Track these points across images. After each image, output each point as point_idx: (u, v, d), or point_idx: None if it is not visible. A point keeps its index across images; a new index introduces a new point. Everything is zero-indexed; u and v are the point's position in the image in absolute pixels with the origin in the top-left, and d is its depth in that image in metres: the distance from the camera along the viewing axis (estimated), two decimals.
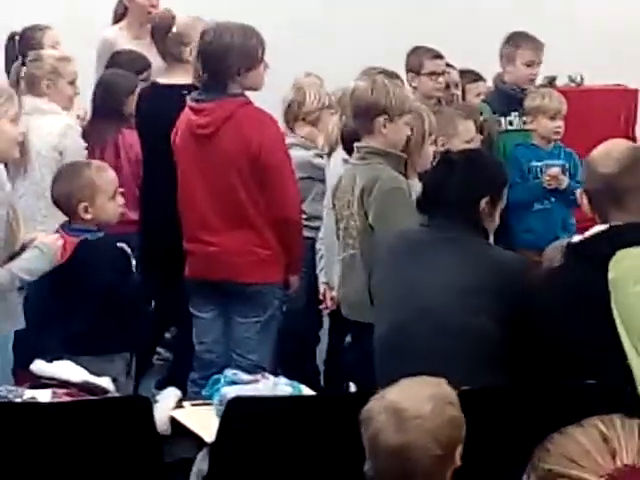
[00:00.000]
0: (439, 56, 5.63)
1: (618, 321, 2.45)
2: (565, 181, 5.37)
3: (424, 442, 2.30)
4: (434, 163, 4.02)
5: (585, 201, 3.10)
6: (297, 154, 4.81)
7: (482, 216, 3.49)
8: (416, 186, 3.97)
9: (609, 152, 3.07)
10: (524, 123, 5.59)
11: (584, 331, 2.91)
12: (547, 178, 5.39)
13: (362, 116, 4.20)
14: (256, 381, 3.24)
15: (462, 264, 3.37)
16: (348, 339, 4.55)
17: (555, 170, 5.40)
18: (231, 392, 3.13)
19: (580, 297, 2.94)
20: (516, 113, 5.66)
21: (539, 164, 5.45)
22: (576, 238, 3.13)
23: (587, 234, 3.08)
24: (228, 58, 4.28)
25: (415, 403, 2.36)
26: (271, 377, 3.32)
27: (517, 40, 5.74)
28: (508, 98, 5.72)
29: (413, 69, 5.58)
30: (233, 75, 4.31)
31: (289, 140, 4.84)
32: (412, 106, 4.31)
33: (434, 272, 3.38)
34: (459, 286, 3.32)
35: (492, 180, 3.58)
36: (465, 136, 4.89)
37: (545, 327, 3.14)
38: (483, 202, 3.47)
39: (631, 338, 2.42)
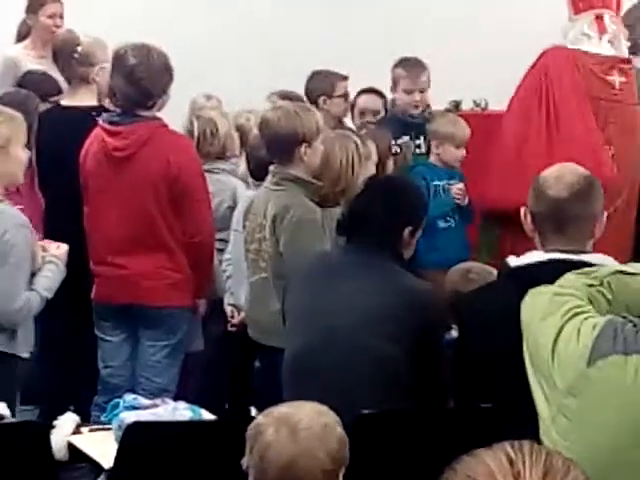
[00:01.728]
0: (347, 78, 5.71)
1: (527, 357, 2.45)
2: (466, 198, 5.45)
3: (316, 453, 2.29)
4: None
5: (528, 220, 3.06)
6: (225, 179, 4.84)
7: (402, 243, 3.52)
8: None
9: (561, 176, 3.03)
10: (418, 147, 5.65)
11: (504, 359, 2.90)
12: (457, 192, 5.44)
13: (279, 146, 4.18)
14: (155, 406, 3.21)
15: (375, 290, 3.37)
16: (257, 363, 4.53)
17: (461, 185, 5.47)
18: (130, 417, 3.09)
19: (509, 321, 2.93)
20: (407, 137, 5.71)
21: (441, 183, 5.51)
22: (514, 261, 3.10)
23: (527, 260, 3.04)
24: (153, 79, 4.27)
25: (307, 416, 2.35)
26: (171, 402, 3.29)
27: (399, 66, 5.81)
28: (398, 122, 5.77)
29: (325, 92, 5.62)
30: (154, 97, 4.30)
31: (221, 165, 4.87)
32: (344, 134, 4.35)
33: (347, 296, 3.38)
34: (369, 311, 3.32)
35: (416, 209, 3.61)
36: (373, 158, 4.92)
37: (465, 351, 3.14)
38: (406, 231, 3.50)
39: (537, 375, 2.42)
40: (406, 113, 5.75)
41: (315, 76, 5.78)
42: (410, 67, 5.79)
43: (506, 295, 2.96)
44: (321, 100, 5.57)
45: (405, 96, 5.77)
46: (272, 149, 4.25)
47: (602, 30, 5.54)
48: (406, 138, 5.74)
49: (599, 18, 5.54)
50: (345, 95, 5.69)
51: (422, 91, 5.78)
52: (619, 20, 5.61)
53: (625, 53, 5.63)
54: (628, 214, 5.36)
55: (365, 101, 6.00)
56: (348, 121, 5.89)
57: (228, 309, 4.72)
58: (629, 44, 6.05)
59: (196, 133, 4.93)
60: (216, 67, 7.07)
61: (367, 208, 3.53)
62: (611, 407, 2.21)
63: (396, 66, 5.81)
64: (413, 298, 3.34)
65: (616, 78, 5.48)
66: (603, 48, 5.56)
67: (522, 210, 3.10)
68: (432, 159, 5.55)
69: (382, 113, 5.98)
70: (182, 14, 7.35)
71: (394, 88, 5.78)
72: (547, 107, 5.52)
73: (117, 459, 2.95)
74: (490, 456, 1.38)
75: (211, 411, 3.47)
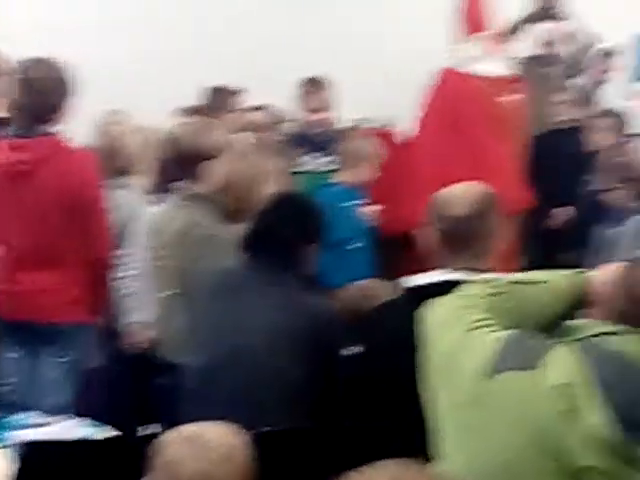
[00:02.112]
0: (241, 93, 5.74)
1: (427, 369, 2.47)
2: (375, 219, 5.49)
3: (225, 472, 2.28)
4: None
5: (429, 240, 3.08)
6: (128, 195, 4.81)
7: (305, 261, 3.51)
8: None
9: (461, 194, 3.06)
10: (323, 164, 5.69)
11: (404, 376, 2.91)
12: (366, 214, 5.48)
13: (186, 162, 4.17)
14: (49, 423, 3.16)
15: (278, 307, 3.37)
16: (162, 380, 4.48)
17: (371, 207, 5.50)
18: (24, 435, 3.03)
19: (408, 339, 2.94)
20: (317, 154, 5.74)
21: (349, 204, 5.54)
22: (416, 280, 3.10)
23: (429, 278, 3.05)
24: (55, 94, 4.22)
25: (216, 435, 2.33)
26: (67, 419, 3.24)
27: (305, 85, 5.85)
28: (303, 139, 5.80)
29: (222, 107, 5.63)
30: (53, 111, 4.25)
31: (125, 181, 4.83)
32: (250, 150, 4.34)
33: (250, 313, 3.38)
34: (271, 329, 3.32)
35: (317, 227, 3.63)
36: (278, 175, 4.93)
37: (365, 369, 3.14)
38: (307, 248, 3.50)
39: (436, 388, 2.44)
40: (311, 130, 5.79)
41: (211, 92, 5.79)
42: (315, 85, 5.82)
43: (407, 313, 2.98)
44: (219, 115, 5.57)
45: (310, 114, 5.81)
46: (178, 165, 4.23)
47: (492, 51, 5.64)
48: (312, 155, 5.78)
49: (488, 39, 5.66)
50: (241, 110, 5.71)
51: (327, 109, 5.82)
52: (505, 40, 5.74)
53: (511, 72, 5.76)
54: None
55: (257, 117, 6.04)
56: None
57: (133, 326, 4.68)
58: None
59: (100, 148, 4.88)
60: (130, 82, 7.05)
61: (270, 225, 3.54)
62: (509, 421, 2.23)
63: (302, 85, 5.84)
64: (314, 316, 3.34)
65: (507, 98, 5.59)
66: (494, 69, 5.67)
67: (422, 230, 3.12)
68: (340, 178, 5.59)
69: (274, 129, 6.01)
70: (100, 31, 7.33)
71: (300, 106, 5.82)
72: (459, 130, 5.62)
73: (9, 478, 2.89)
74: (376, 473, 1.39)
75: (113, 428, 3.42)
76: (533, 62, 7.17)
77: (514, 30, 7.01)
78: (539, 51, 7.22)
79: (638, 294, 2.24)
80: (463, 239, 3.00)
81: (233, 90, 5.80)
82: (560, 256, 6.42)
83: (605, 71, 7.24)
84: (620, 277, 2.34)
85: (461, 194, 3.06)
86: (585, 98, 6.77)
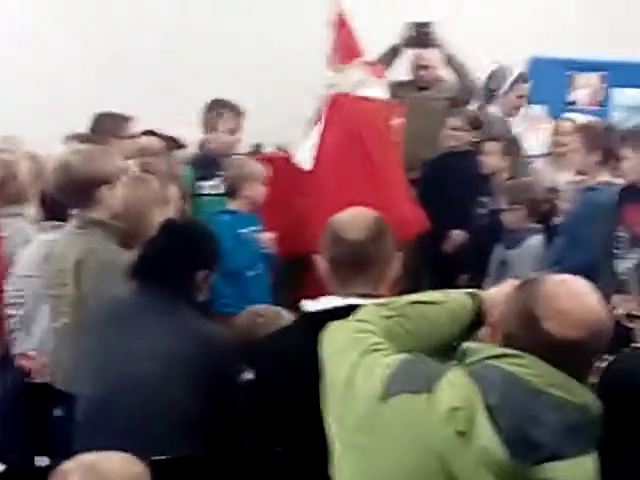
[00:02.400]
0: (132, 119, 5.71)
1: (325, 393, 2.46)
2: (273, 246, 5.49)
3: None
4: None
5: (324, 267, 3.06)
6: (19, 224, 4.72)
7: (196, 288, 3.48)
8: None
9: (356, 219, 3.05)
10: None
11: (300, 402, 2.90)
12: (264, 241, 5.47)
13: (79, 190, 4.09)
14: None
15: (169, 335, 3.33)
16: (58, 410, 4.40)
17: (269, 234, 5.50)
18: None
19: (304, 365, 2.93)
20: (219, 178, 5.73)
21: (246, 230, 5.53)
22: (312, 305, 3.07)
23: (325, 304, 3.01)
24: None
25: (117, 465, 2.28)
26: None
27: (218, 108, 5.83)
28: (210, 163, 5.78)
29: (120, 132, 5.58)
30: None
31: (16, 210, 4.75)
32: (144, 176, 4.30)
33: (140, 342, 3.32)
34: (163, 357, 3.27)
35: (210, 253, 3.60)
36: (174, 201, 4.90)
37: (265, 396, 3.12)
38: (200, 275, 3.47)
39: (332, 412, 2.43)
40: (214, 154, 5.77)
41: (103, 118, 5.74)
42: (231, 109, 5.82)
43: (302, 339, 2.96)
44: (115, 141, 5.52)
45: (226, 136, 5.81)
46: (72, 192, 4.15)
47: (370, 77, 5.72)
48: (213, 180, 5.76)
49: (365, 66, 5.74)
50: (132, 136, 5.67)
51: (233, 133, 5.82)
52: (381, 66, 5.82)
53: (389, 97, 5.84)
54: None
55: (150, 142, 6.00)
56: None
57: (26, 356, 4.58)
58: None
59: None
60: (21, 109, 6.94)
61: (160, 251, 3.51)
62: (401, 444, 2.23)
63: (213, 107, 5.82)
64: (208, 344, 3.31)
65: (392, 122, 5.68)
66: (375, 93, 5.75)
67: (317, 257, 3.10)
68: (236, 203, 5.57)
69: (168, 155, 5.98)
70: None
71: (210, 130, 5.79)
72: (356, 154, 5.66)
73: None
74: None
75: (5, 461, 3.35)
76: (410, 87, 7.25)
77: (391, 56, 7.12)
78: (416, 76, 7.29)
79: (527, 316, 2.26)
80: (358, 264, 3.00)
81: (125, 116, 5.73)
82: (458, 278, 6.50)
83: (521, 96, 7.33)
84: (510, 298, 2.35)
85: (355, 219, 3.06)
86: (479, 123, 6.86)
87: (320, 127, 5.77)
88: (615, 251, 5.32)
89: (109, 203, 4.09)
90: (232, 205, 5.59)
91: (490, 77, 7.48)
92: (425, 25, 7.11)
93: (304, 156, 5.80)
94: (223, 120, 5.78)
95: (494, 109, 7.11)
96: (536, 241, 5.92)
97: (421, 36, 7.10)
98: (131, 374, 3.26)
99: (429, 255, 6.81)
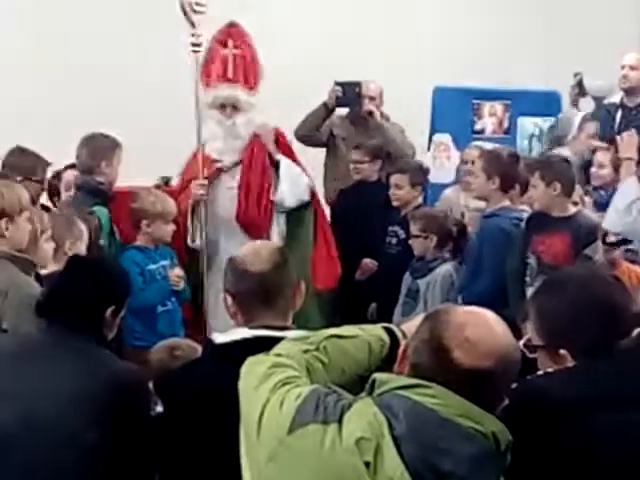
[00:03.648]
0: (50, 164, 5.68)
1: (241, 427, 2.44)
2: (183, 282, 5.46)
3: None
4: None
5: (229, 302, 3.07)
6: None
7: (104, 325, 3.46)
8: None
9: (258, 251, 3.09)
10: None
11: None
12: (174, 279, 5.44)
13: None
14: None
15: (76, 373, 3.26)
16: None
17: (178, 271, 5.47)
18: None
19: (211, 399, 2.90)
20: None
21: (155, 266, 5.50)
22: (220, 338, 3.06)
23: (232, 336, 3.02)
24: None
25: None
26: None
27: (111, 144, 5.78)
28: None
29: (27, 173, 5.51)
30: None
31: None
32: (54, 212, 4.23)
33: (46, 379, 3.25)
34: (70, 395, 3.21)
35: (118, 290, 3.58)
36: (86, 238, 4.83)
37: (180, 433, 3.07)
38: (108, 312, 3.44)
39: (245, 445, 2.41)
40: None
41: (22, 154, 5.65)
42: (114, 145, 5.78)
43: (209, 373, 2.97)
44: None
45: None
46: None
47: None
48: None
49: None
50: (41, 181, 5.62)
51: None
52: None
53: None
54: None
55: (71, 176, 5.94)
56: None
57: None
58: None
59: None
60: None
61: (67, 288, 3.46)
62: (308, 475, 2.23)
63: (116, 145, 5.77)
64: (116, 380, 3.26)
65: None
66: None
67: (222, 294, 3.12)
68: (142, 240, 5.53)
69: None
70: None
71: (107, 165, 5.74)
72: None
73: None
74: None
75: None
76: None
77: (323, 113, 7.16)
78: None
79: (436, 346, 2.26)
80: (264, 296, 3.02)
81: (39, 158, 5.66)
82: (370, 307, 6.52)
83: (591, 135, 7.31)
84: (419, 329, 2.36)
85: (258, 251, 3.10)
86: (379, 153, 6.90)
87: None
88: (525, 278, 5.38)
89: (10, 236, 4.03)
90: (138, 240, 5.55)
91: (554, 125, 7.55)
92: (354, 85, 7.17)
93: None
94: (116, 154, 5.74)
95: (566, 152, 7.03)
96: (446, 270, 5.95)
97: (349, 96, 7.14)
98: (38, 413, 3.19)
99: (341, 283, 6.82)
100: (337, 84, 7.15)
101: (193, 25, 5.71)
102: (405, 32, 8.20)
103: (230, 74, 5.85)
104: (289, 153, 6.05)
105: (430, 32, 8.29)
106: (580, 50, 8.50)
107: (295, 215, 6.02)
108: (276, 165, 5.91)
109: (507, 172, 5.74)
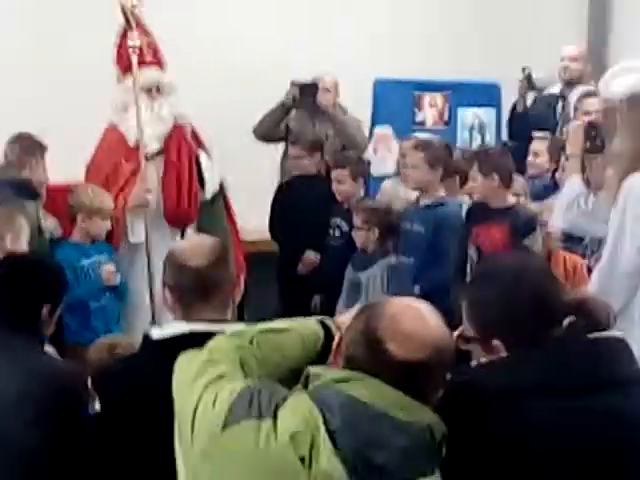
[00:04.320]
0: None
1: (176, 425, 2.42)
2: (118, 277, 5.43)
3: None
4: None
5: (168, 295, 3.06)
6: None
7: (41, 323, 3.42)
8: None
9: (198, 246, 3.09)
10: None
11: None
12: (107, 275, 5.41)
13: None
14: None
15: (13, 373, 3.24)
16: None
17: (111, 266, 5.43)
18: None
19: (150, 394, 2.87)
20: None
21: (88, 261, 5.46)
22: (157, 333, 3.04)
23: (170, 331, 3.01)
24: None
25: None
26: None
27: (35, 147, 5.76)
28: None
29: None
30: None
31: None
32: None
33: None
34: (6, 396, 3.18)
35: (53, 288, 3.55)
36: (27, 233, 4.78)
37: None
38: (44, 310, 3.41)
39: (180, 442, 2.40)
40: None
41: None
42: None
43: (147, 367, 2.96)
44: None
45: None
46: None
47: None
48: None
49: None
50: None
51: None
52: None
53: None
54: None
55: None
56: None
57: None
58: None
59: None
60: None
61: (1, 287, 3.42)
62: (242, 471, 2.22)
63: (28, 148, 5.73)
64: (54, 380, 3.24)
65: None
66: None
67: (161, 287, 3.11)
68: (77, 235, 5.49)
69: None
70: None
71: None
72: None
73: None
74: None
75: None
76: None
77: (280, 113, 7.13)
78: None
79: (370, 338, 2.26)
80: (203, 290, 3.02)
81: None
82: (312, 300, 6.53)
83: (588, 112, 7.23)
84: (353, 322, 2.36)
85: (196, 246, 3.11)
86: (317, 146, 6.91)
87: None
88: (468, 270, 5.41)
89: None
90: (73, 236, 5.52)
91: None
92: (310, 85, 7.15)
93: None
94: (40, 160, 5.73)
95: None
96: (387, 262, 5.96)
97: (306, 97, 7.12)
98: None
99: (284, 276, 6.83)
100: (294, 84, 7.13)
101: (131, 28, 5.71)
102: (346, 26, 8.19)
103: (147, 58, 5.84)
104: (201, 143, 6.08)
105: (371, 26, 8.28)
106: (521, 42, 8.55)
107: (209, 206, 6.05)
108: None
109: (447, 162, 5.77)
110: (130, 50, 5.71)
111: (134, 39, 5.72)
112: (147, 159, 5.81)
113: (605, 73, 4.67)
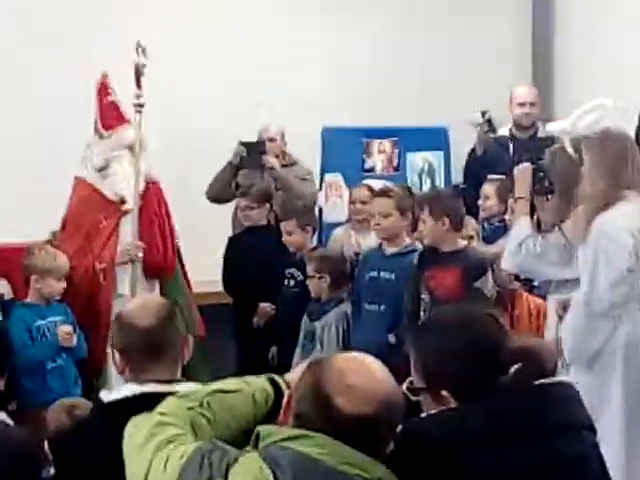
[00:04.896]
0: None
1: None
2: (75, 338, 5.40)
3: None
4: None
5: (117, 358, 3.05)
6: None
7: None
8: None
9: (145, 305, 3.08)
10: None
11: None
12: (64, 336, 5.37)
13: None
14: None
15: None
16: None
17: (68, 327, 5.40)
18: None
19: (101, 458, 2.85)
20: None
21: (44, 322, 5.43)
22: (107, 396, 3.03)
23: (121, 393, 2.98)
24: None
25: None
26: None
27: None
28: None
29: None
30: None
31: None
32: None
33: None
34: None
35: (4, 351, 3.49)
36: None
37: None
38: None
39: None
40: None
41: None
42: None
43: (98, 431, 2.94)
44: None
45: None
46: None
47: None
48: None
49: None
50: None
51: None
52: None
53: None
54: None
55: None
56: None
57: None
58: None
59: None
60: None
61: None
62: None
63: None
64: (6, 446, 3.18)
65: None
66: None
67: (110, 349, 3.09)
68: (32, 296, 5.46)
69: None
70: None
71: None
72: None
73: None
74: None
75: None
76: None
77: (229, 173, 7.14)
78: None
79: (318, 394, 2.27)
80: (152, 350, 3.01)
81: None
82: (270, 351, 6.51)
83: None
84: (302, 378, 2.37)
85: (144, 306, 3.10)
86: (267, 197, 6.93)
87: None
88: (420, 314, 5.41)
89: None
90: (29, 297, 5.48)
91: None
92: (257, 144, 7.17)
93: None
94: None
95: None
96: (340, 311, 5.95)
97: (254, 155, 7.13)
98: None
99: (239, 329, 6.82)
100: (241, 144, 7.12)
101: (140, 86, 5.76)
102: (294, 75, 8.22)
103: (126, 117, 5.89)
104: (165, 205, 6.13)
105: (319, 74, 8.32)
106: (467, 86, 8.63)
107: None
108: None
109: (414, 208, 5.75)
110: (138, 108, 5.77)
111: (139, 98, 5.77)
112: (124, 214, 5.84)
113: (572, 113, 4.72)
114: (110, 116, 5.85)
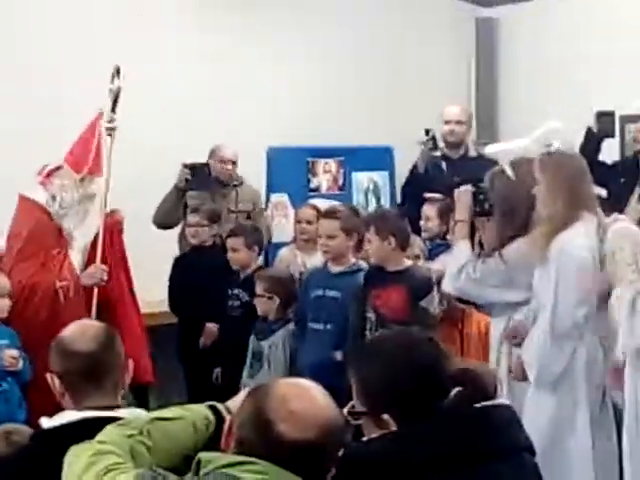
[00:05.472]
0: None
1: None
2: (21, 363, 5.34)
3: None
4: None
5: (57, 384, 3.01)
6: None
7: None
8: None
9: (84, 331, 3.05)
10: None
11: None
12: (9, 360, 5.32)
13: None
14: None
15: None
16: None
17: (14, 352, 5.35)
18: None
19: None
20: None
21: None
22: (47, 422, 2.97)
23: (60, 420, 2.93)
24: None
25: None
26: None
27: None
28: None
29: None
30: None
31: None
32: None
33: None
34: None
35: None
36: None
37: None
38: None
39: None
40: None
41: None
42: None
43: (37, 458, 2.89)
44: None
45: None
46: None
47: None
48: None
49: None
50: None
51: None
52: None
53: None
54: None
55: None
56: None
57: None
58: None
59: None
60: None
61: None
62: None
63: None
64: None
65: None
66: None
67: (48, 375, 3.06)
68: None
69: None
70: None
71: None
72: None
73: None
74: None
75: None
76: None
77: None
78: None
79: (259, 420, 2.26)
80: (92, 376, 2.98)
81: None
82: (214, 372, 6.50)
83: None
84: (243, 404, 2.36)
85: (84, 331, 3.07)
86: (216, 217, 6.92)
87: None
88: (365, 333, 5.42)
89: None
90: None
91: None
92: (202, 165, 7.11)
93: None
94: None
95: None
96: (288, 330, 5.96)
97: (200, 177, 7.05)
98: None
99: (185, 349, 6.79)
100: (185, 166, 7.06)
101: (114, 110, 5.74)
102: (239, 95, 8.22)
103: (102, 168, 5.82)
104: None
105: (264, 94, 8.32)
106: (410, 105, 8.69)
107: None
108: None
109: (360, 228, 5.76)
110: (109, 132, 5.74)
111: (112, 122, 5.75)
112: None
113: (531, 134, 4.75)
114: (91, 161, 5.76)
